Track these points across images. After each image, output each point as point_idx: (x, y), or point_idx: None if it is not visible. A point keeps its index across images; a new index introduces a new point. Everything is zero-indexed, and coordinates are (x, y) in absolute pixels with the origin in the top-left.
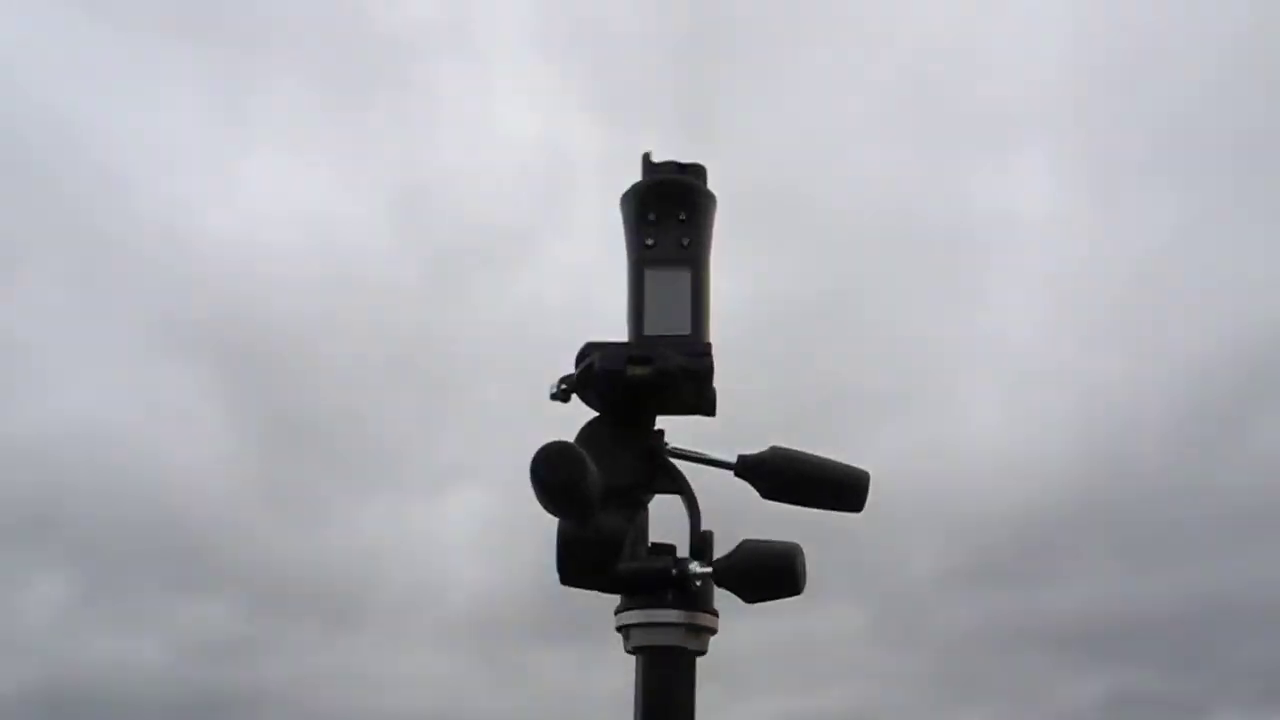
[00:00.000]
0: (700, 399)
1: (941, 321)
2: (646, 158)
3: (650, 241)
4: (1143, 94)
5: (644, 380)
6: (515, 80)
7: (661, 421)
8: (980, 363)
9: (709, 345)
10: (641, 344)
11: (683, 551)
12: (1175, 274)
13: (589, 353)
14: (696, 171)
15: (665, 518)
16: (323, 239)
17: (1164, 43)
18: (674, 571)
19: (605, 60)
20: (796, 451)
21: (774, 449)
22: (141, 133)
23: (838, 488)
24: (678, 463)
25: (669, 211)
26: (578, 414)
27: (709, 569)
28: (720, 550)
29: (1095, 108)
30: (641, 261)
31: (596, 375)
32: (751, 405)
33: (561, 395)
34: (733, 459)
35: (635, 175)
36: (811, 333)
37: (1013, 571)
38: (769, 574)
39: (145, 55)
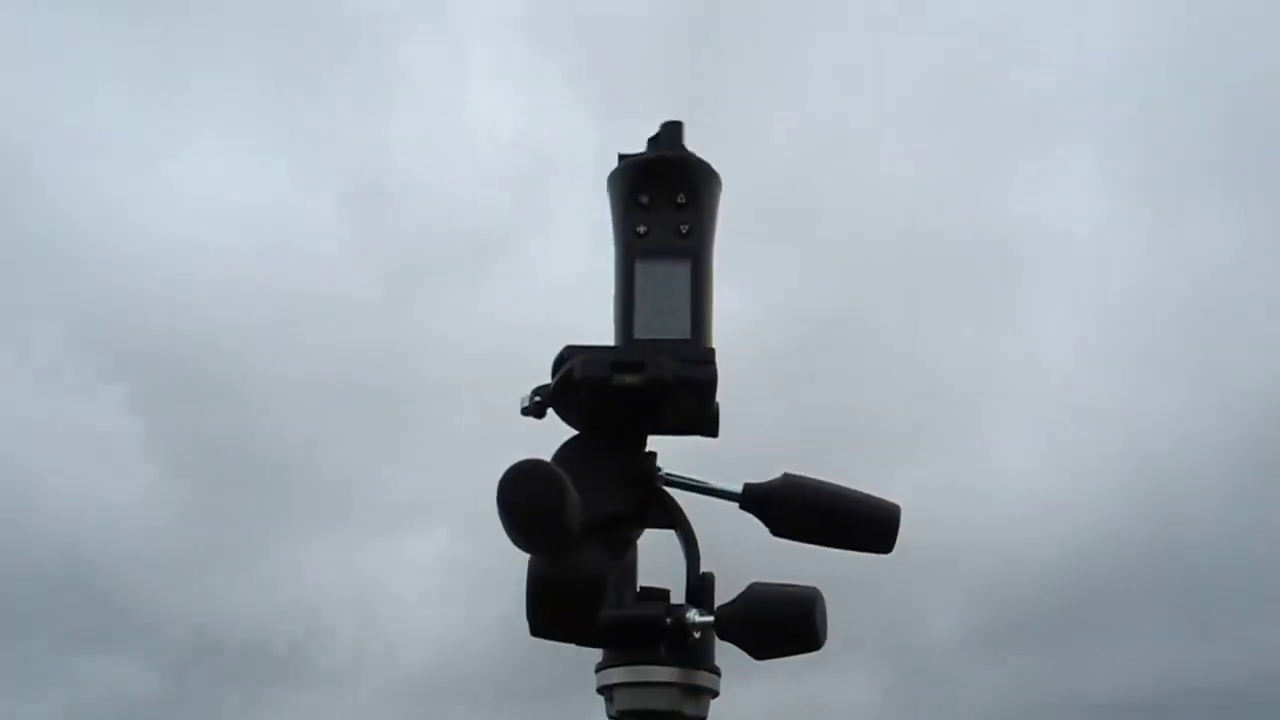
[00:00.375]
0: (700, 415)
1: (969, 346)
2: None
3: (642, 229)
4: (1211, 88)
5: (634, 391)
6: (494, 64)
7: (653, 442)
8: (1013, 394)
9: (712, 351)
10: (631, 348)
11: (678, 597)
12: (1240, 297)
13: (568, 357)
14: (675, 133)
15: (656, 556)
16: (268, 241)
17: (1236, 31)
18: (668, 620)
19: (596, 44)
20: (813, 480)
21: (786, 478)
22: (58, 117)
23: (862, 524)
24: (673, 492)
25: (665, 193)
26: (554, 433)
27: (710, 618)
28: (723, 596)
29: (1155, 104)
30: (632, 252)
31: (577, 384)
32: (745, 436)
33: (535, 409)
34: (737, 488)
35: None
36: (819, 354)
37: (1049, 634)
38: (782, 624)
39: (66, 29)
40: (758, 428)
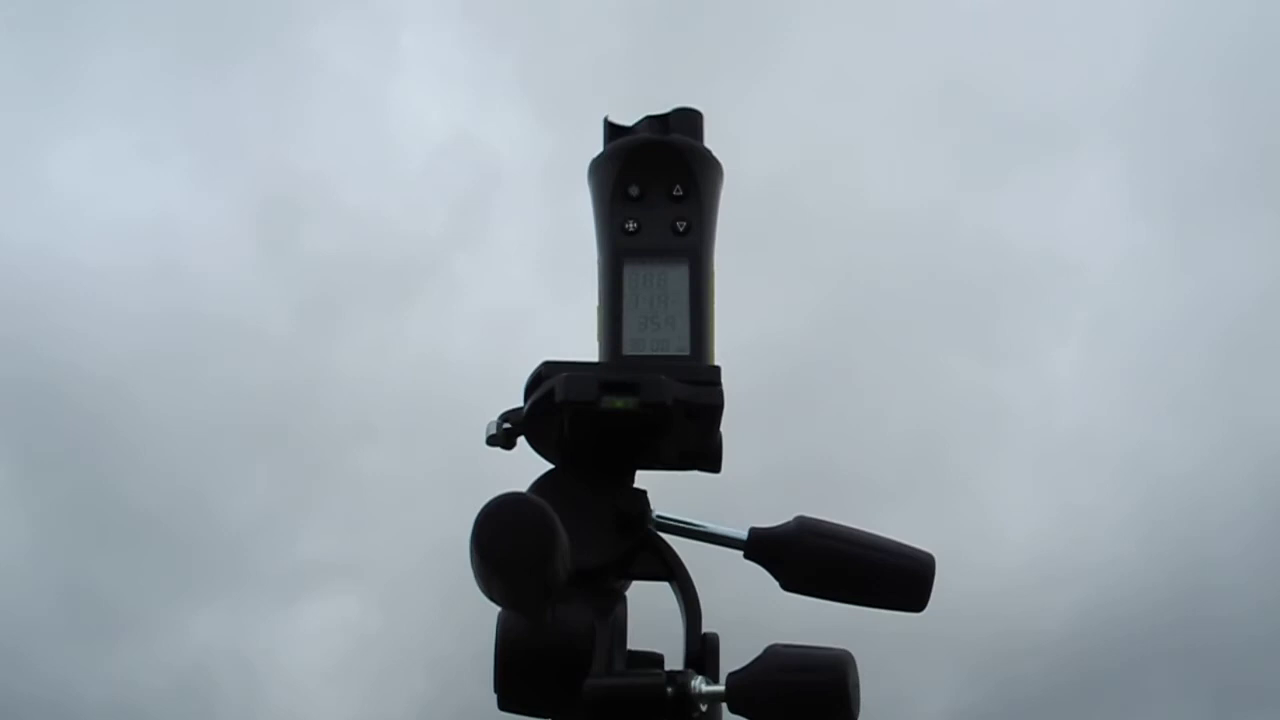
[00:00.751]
0: (702, 447)
1: (967, 387)
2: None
3: (632, 226)
4: (1247, 99)
5: (626, 417)
6: (427, 54)
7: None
8: (1017, 442)
9: (717, 370)
10: (622, 366)
11: (674, 662)
12: (1273, 332)
13: (546, 376)
14: (690, 125)
15: (646, 614)
16: (159, 259)
17: (1277, 35)
18: (669, 690)
19: (550, 33)
20: (831, 525)
21: (801, 522)
22: None
23: (890, 577)
24: (667, 537)
25: (659, 184)
26: (521, 469)
27: (719, 687)
28: (730, 663)
29: (1183, 116)
30: (620, 253)
31: (558, 409)
32: (702, 488)
33: (503, 439)
34: (742, 534)
35: (580, 181)
36: (794, 394)
37: (1056, 714)
38: (811, 695)
39: None
40: (717, 478)
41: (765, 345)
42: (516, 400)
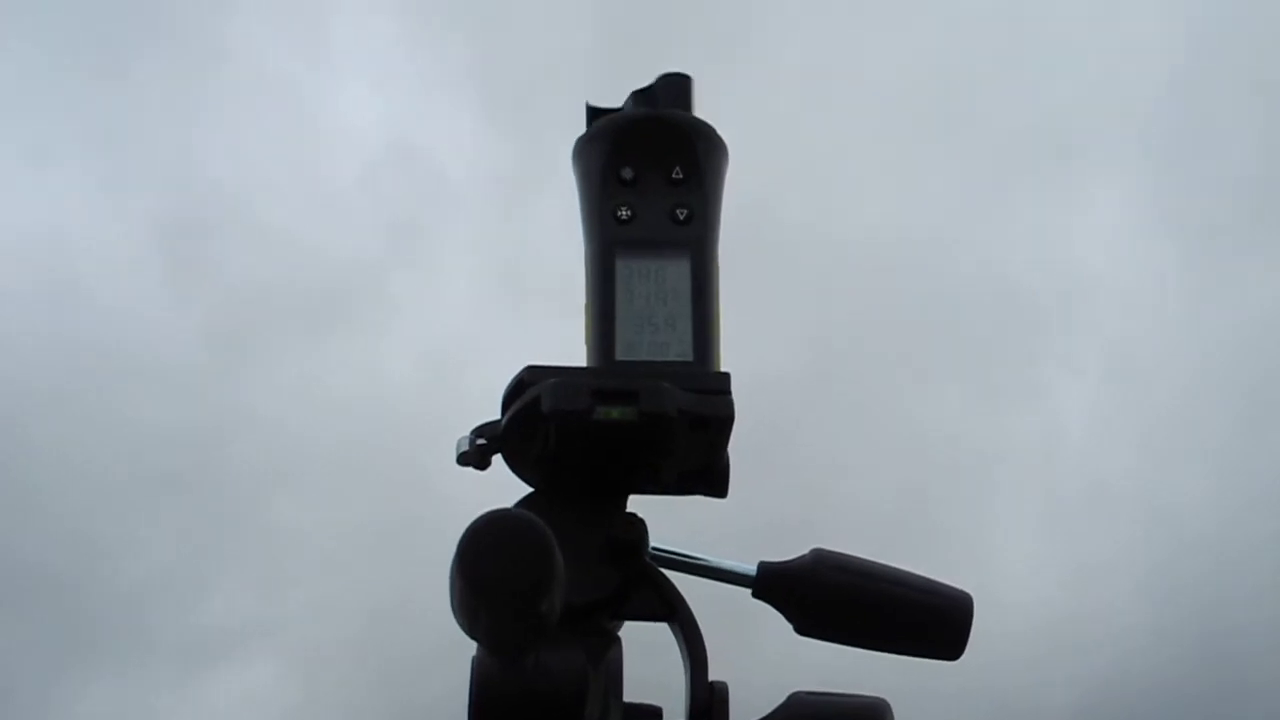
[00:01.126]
0: (709, 466)
1: (966, 424)
2: (591, 108)
3: (625, 213)
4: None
5: (623, 431)
6: (362, 47)
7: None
8: (1022, 486)
9: (726, 377)
10: (616, 372)
11: (676, 716)
12: None
13: (529, 382)
14: (679, 93)
15: (643, 658)
16: (50, 278)
17: None
18: None
19: (503, 28)
20: (854, 559)
21: (818, 555)
22: None
23: (922, 620)
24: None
25: (657, 165)
26: (493, 492)
27: None
28: (740, 716)
29: (1208, 121)
30: (612, 244)
31: (543, 421)
32: (676, 532)
33: (476, 456)
34: (750, 569)
35: (540, 189)
36: (775, 433)
37: None
38: None
39: None
40: (692, 523)
41: (741, 377)
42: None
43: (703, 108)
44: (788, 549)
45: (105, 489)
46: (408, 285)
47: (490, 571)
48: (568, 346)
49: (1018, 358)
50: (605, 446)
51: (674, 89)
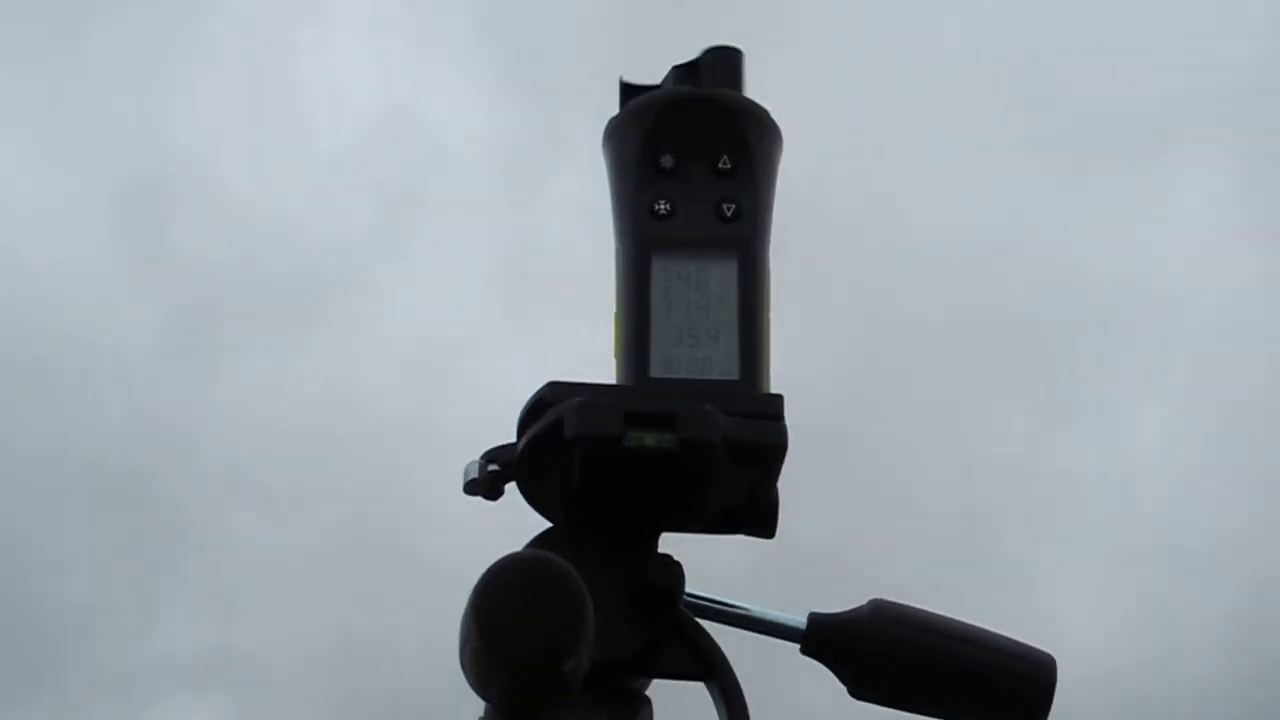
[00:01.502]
0: (756, 501)
1: (1022, 454)
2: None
3: (664, 207)
4: None
5: (660, 458)
6: (354, 7)
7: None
8: (1084, 528)
9: (779, 400)
10: (650, 392)
11: None
12: None
13: (551, 401)
14: (729, 70)
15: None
16: None
17: None
18: None
19: None
20: (918, 612)
21: (878, 606)
22: None
23: (997, 685)
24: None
25: (701, 153)
26: (506, 531)
27: None
28: None
29: None
30: (648, 243)
31: (566, 447)
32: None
33: (487, 484)
34: (800, 621)
35: (554, 169)
36: (807, 460)
37: None
38: None
39: None
40: (703, 563)
41: (793, 378)
42: (443, 459)
43: (752, 86)
44: (826, 584)
45: (42, 496)
46: (395, 273)
47: (510, 623)
48: (579, 352)
49: (1086, 369)
50: (637, 478)
51: (723, 65)
